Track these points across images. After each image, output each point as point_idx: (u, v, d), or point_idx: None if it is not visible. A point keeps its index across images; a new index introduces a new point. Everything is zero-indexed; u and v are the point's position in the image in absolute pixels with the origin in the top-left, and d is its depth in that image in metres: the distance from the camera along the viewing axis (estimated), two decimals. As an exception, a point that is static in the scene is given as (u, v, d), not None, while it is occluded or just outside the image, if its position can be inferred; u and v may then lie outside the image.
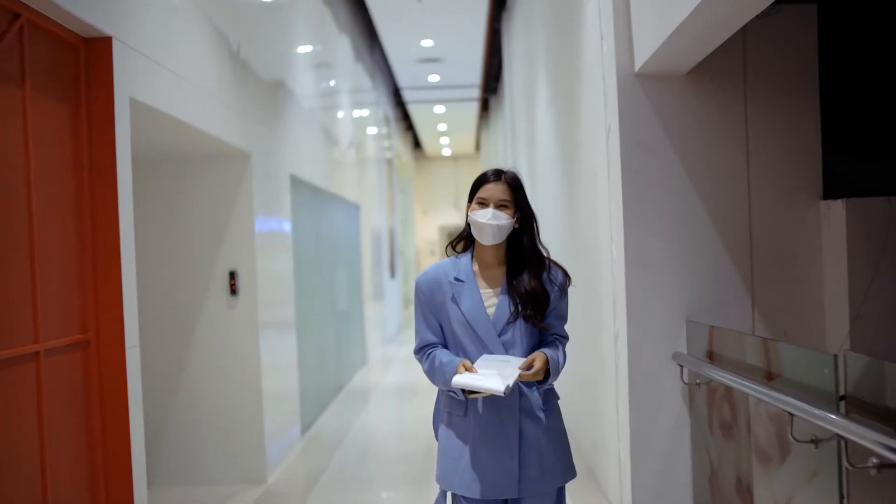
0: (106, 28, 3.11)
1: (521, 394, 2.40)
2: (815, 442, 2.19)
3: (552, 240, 6.84)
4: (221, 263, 5.11)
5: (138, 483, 3.29)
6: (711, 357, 3.16)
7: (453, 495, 2.45)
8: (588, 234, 4.56)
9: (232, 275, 5.11)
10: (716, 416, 3.18)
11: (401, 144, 18.84)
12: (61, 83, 3.01)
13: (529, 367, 2.30)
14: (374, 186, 12.96)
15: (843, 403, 2.16)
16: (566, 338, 2.54)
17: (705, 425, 3.29)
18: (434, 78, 14.07)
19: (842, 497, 2.11)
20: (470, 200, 2.47)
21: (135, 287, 3.34)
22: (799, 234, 3.48)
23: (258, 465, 5.22)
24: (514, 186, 2.43)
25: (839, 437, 2.04)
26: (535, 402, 2.41)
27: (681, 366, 3.34)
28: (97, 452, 3.17)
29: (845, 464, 2.05)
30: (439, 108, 17.30)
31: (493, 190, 2.42)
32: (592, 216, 4.34)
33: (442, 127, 19.96)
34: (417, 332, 2.53)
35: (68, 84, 3.06)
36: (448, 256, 2.56)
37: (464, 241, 2.53)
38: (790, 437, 2.29)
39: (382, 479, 5.41)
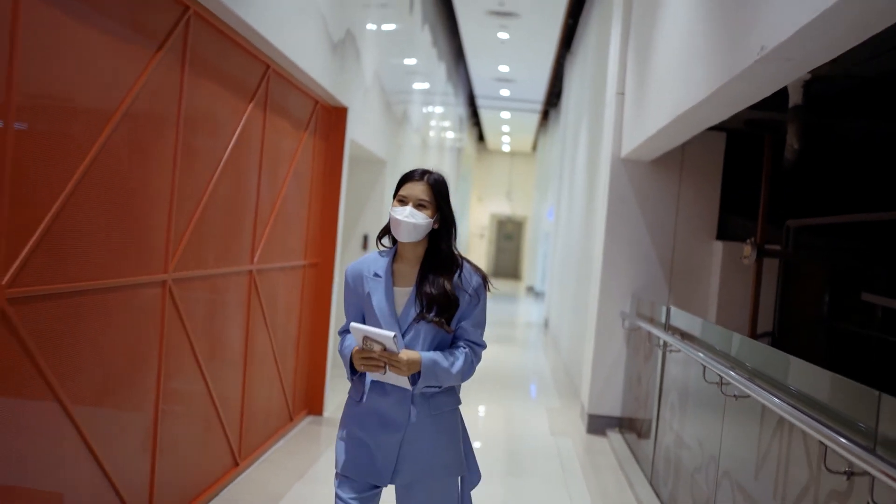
0: (344, 101, 6.00)
1: (416, 393, 2.46)
2: (660, 346, 4.99)
3: (577, 248, 9.69)
4: (360, 229, 8.03)
5: (328, 358, 6.21)
6: (637, 314, 5.97)
7: (337, 474, 2.54)
8: (591, 245, 7.39)
9: (365, 237, 8.03)
10: (634, 345, 6.00)
11: (467, 137, 21.61)
12: (323, 131, 5.91)
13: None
14: (448, 176, 15.79)
15: (669, 329, 4.96)
16: (480, 345, 2.55)
17: (632, 351, 6.12)
18: (505, 92, 16.82)
19: (663, 366, 4.91)
20: (394, 196, 2.50)
21: (342, 235, 6.25)
22: (699, 256, 6.26)
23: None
24: (436, 188, 2.49)
25: (665, 342, 4.84)
26: (428, 403, 2.48)
27: (623, 319, 6.17)
28: (315, 334, 6.09)
29: (665, 352, 4.86)
30: (505, 114, 19.99)
31: (414, 189, 2.47)
32: (595, 235, 7.17)
33: (505, 128, 22.60)
34: (345, 317, 2.62)
35: (325, 131, 5.96)
36: (377, 249, 2.62)
37: (389, 235, 2.58)
38: (649, 344, 5.12)
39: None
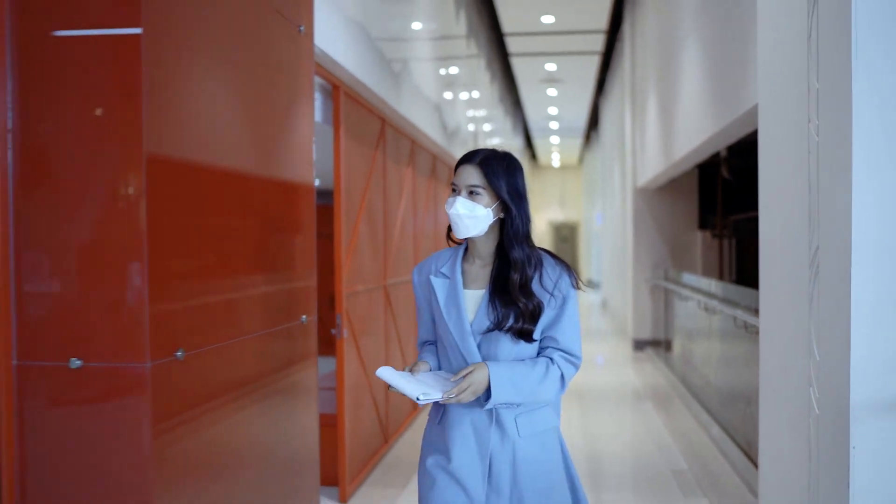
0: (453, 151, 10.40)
1: (499, 413, 2.06)
2: (664, 292, 9.25)
3: (620, 244, 14.07)
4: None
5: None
6: (655, 277, 10.24)
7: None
8: (624, 238, 11.74)
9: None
10: (654, 296, 10.30)
11: (522, 157, 25.81)
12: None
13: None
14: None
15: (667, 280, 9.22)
16: (574, 356, 2.10)
17: (654, 300, 10.42)
18: (554, 126, 21.14)
19: (666, 303, 9.17)
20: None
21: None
22: (688, 240, 10.52)
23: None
24: (488, 168, 2.03)
25: (666, 289, 9.13)
26: (515, 422, 2.07)
27: (646, 281, 10.48)
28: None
29: (667, 295, 9.14)
30: (554, 139, 24.30)
31: (464, 174, 2.05)
32: (627, 234, 11.50)
33: (554, 148, 26.87)
34: (419, 327, 2.27)
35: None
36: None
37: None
38: (661, 293, 9.43)
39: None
